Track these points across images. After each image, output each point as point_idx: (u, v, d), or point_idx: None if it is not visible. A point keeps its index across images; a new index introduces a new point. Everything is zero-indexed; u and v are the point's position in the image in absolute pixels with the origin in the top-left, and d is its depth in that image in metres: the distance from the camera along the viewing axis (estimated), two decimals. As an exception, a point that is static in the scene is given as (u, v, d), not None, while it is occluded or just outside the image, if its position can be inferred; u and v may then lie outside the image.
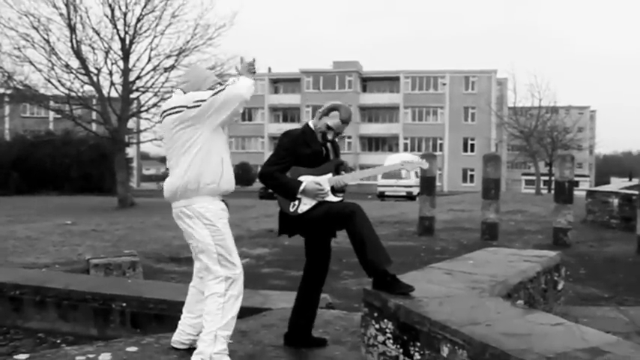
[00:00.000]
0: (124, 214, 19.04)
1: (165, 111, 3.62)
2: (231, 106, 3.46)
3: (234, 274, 3.51)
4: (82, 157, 31.52)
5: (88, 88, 22.28)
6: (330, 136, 3.89)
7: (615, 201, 14.10)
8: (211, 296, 3.47)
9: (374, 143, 63.18)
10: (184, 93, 3.62)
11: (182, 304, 3.96)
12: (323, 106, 3.95)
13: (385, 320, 3.48)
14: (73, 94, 21.49)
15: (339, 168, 3.91)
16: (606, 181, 47.25)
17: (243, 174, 51.27)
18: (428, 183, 13.07)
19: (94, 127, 25.08)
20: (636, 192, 11.14)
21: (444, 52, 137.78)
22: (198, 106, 3.45)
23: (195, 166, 3.48)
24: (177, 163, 3.54)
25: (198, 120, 3.47)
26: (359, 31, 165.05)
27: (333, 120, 3.86)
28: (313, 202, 3.74)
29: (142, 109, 23.44)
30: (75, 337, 5.49)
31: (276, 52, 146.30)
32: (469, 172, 58.55)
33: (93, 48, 21.38)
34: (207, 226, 3.49)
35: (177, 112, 3.51)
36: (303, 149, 3.81)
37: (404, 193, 31.34)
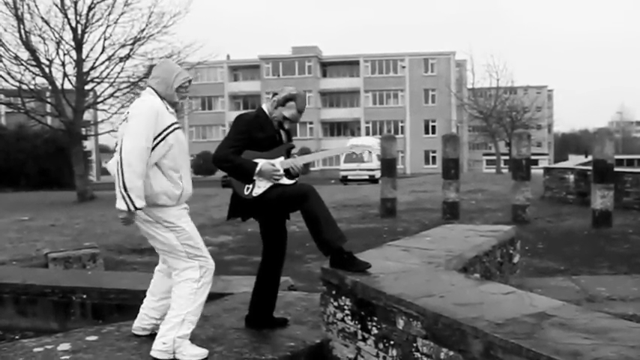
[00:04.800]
0: (84, 207, 18.70)
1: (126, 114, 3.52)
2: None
3: (207, 264, 3.53)
4: (37, 152, 30.72)
5: (40, 80, 21.67)
6: (286, 126, 3.90)
7: (571, 177, 14.47)
8: (186, 281, 3.47)
9: (335, 128, 63.35)
10: (154, 90, 3.51)
11: (144, 292, 3.94)
12: (278, 93, 3.90)
13: (343, 297, 3.54)
14: (24, 86, 20.86)
15: (289, 152, 3.93)
16: (565, 159, 48.53)
17: (204, 163, 50.76)
18: (389, 165, 13.19)
19: (48, 120, 24.47)
20: (591, 168, 11.45)
21: (402, 36, 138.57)
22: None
23: (151, 185, 3.39)
24: None
25: None
26: (318, 16, 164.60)
27: (290, 111, 3.85)
28: (267, 185, 3.76)
29: (98, 100, 22.91)
30: (35, 332, 5.39)
31: (235, 38, 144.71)
32: (431, 154, 59.27)
33: (43, 38, 20.72)
34: (171, 229, 3.45)
35: (125, 120, 3.43)
36: (258, 133, 3.81)
37: (366, 177, 31.52)
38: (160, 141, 3.37)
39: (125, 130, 3.35)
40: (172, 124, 3.45)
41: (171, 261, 3.52)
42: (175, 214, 3.47)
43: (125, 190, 3.22)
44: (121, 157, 3.25)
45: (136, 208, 3.24)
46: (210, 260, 3.57)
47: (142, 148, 3.27)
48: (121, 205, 3.25)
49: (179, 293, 3.47)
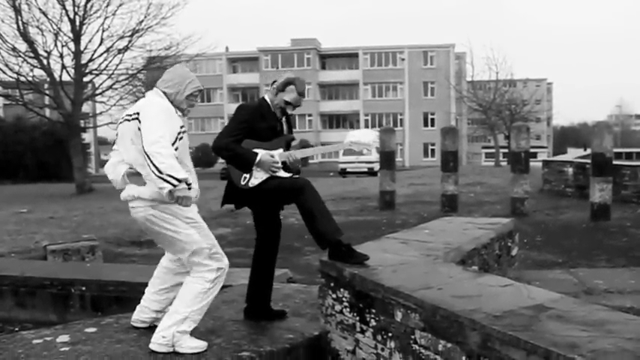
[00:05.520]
0: (83, 200, 18.69)
1: (129, 114, 3.45)
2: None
3: (224, 264, 3.52)
4: (36, 144, 30.58)
5: (38, 72, 21.57)
6: (289, 110, 3.91)
7: (570, 170, 14.46)
8: (199, 279, 3.45)
9: (334, 120, 63.25)
10: (164, 93, 3.50)
11: (142, 285, 3.95)
12: (277, 80, 3.93)
13: (341, 289, 3.55)
14: (22, 78, 20.77)
15: (289, 144, 3.93)
16: (564, 152, 48.50)
17: (203, 156, 50.73)
18: (388, 157, 13.18)
19: (47, 112, 24.39)
20: (589, 161, 11.45)
21: (402, 29, 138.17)
22: (141, 139, 3.28)
23: None
24: (143, 164, 3.35)
25: None
26: (317, 8, 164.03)
27: (290, 95, 3.86)
28: (264, 177, 3.76)
29: (97, 92, 22.84)
30: (34, 324, 5.41)
31: (234, 30, 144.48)
32: (430, 147, 59.21)
33: (41, 30, 20.59)
34: (191, 224, 3.43)
35: (135, 119, 3.37)
36: (260, 123, 3.82)
37: (365, 169, 31.51)
38: (173, 144, 3.36)
39: (142, 130, 3.28)
40: (181, 128, 3.46)
41: (190, 262, 3.46)
42: (193, 210, 3.47)
43: (160, 172, 3.15)
44: (146, 154, 3.20)
45: (179, 180, 3.16)
46: (225, 259, 3.55)
47: (162, 137, 3.24)
48: (164, 185, 3.17)
49: (190, 289, 3.44)
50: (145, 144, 3.22)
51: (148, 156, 3.20)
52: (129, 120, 3.43)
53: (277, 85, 3.88)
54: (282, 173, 3.82)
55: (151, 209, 3.39)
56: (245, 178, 3.77)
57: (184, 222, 3.41)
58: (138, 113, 3.38)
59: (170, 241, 3.48)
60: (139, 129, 3.32)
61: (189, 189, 3.25)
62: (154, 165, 3.17)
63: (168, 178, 3.16)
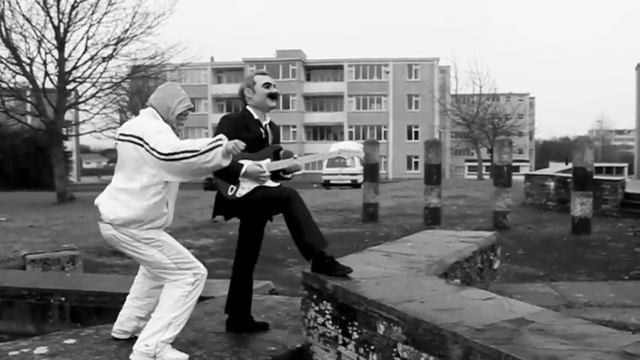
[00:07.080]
0: (64, 209, 18.48)
1: (124, 134, 3.40)
2: (193, 175, 3.33)
3: (200, 270, 3.50)
4: (16, 152, 30.22)
5: (20, 78, 21.33)
6: (272, 90, 3.89)
7: (552, 184, 14.62)
8: (178, 283, 3.42)
9: (319, 132, 63.31)
10: (157, 112, 3.48)
11: (123, 295, 3.91)
12: (241, 90, 3.96)
13: (324, 302, 3.54)
14: (3, 85, 20.53)
15: (277, 153, 3.93)
16: (545, 166, 48.98)
17: (188, 166, 50.43)
18: (371, 169, 13.22)
19: (28, 119, 24.11)
20: (571, 175, 11.59)
21: (387, 42, 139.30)
22: (155, 156, 3.24)
23: (136, 207, 3.33)
24: (124, 187, 3.37)
25: (156, 167, 3.30)
26: (304, 24, 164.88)
27: (261, 81, 3.88)
28: (252, 187, 3.76)
29: (80, 100, 22.65)
30: (11, 335, 5.32)
31: (220, 42, 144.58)
32: (413, 159, 59.47)
33: (24, 36, 20.38)
34: (151, 244, 3.41)
35: (134, 143, 3.33)
36: (244, 133, 3.80)
37: (349, 181, 31.60)
38: None
39: (152, 146, 3.25)
40: None
41: (164, 277, 3.46)
42: (153, 229, 3.43)
43: (200, 151, 3.16)
44: (172, 158, 3.19)
45: (215, 141, 3.17)
46: (202, 267, 3.53)
47: (173, 139, 3.25)
48: (214, 153, 3.16)
49: (170, 294, 3.42)
50: (162, 151, 3.20)
51: (176, 158, 3.18)
52: (132, 142, 3.35)
53: (248, 87, 3.90)
54: (270, 183, 3.82)
55: (112, 229, 3.40)
56: (232, 188, 3.77)
57: (143, 243, 3.40)
58: (141, 138, 3.31)
59: (136, 259, 3.52)
60: (147, 150, 3.27)
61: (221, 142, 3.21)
62: (190, 156, 3.17)
63: (210, 146, 3.16)
